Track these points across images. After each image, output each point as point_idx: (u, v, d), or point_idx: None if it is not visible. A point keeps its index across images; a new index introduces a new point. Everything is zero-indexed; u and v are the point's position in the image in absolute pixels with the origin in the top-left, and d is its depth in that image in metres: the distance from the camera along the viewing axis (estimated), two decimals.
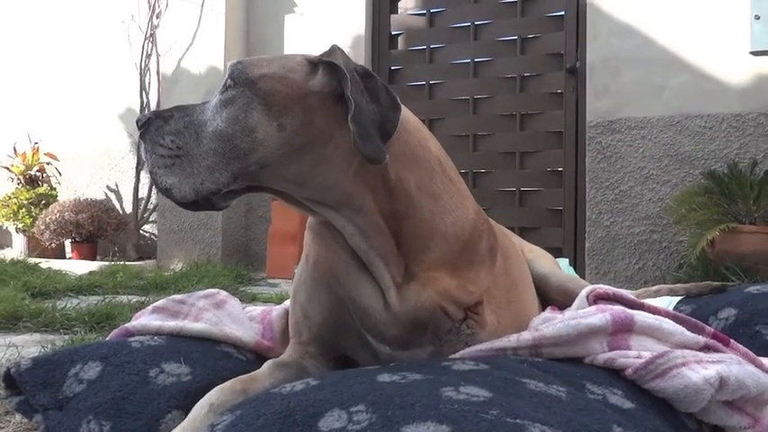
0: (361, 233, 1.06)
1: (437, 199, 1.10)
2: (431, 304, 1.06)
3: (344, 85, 1.02)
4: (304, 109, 1.03)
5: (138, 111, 5.19)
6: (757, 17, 3.58)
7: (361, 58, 4.60)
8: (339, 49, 1.08)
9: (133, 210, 5.20)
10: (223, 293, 1.44)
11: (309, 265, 1.16)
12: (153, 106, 5.16)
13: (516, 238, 1.68)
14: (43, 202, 5.36)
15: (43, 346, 1.96)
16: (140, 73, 5.16)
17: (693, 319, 1.14)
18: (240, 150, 1.02)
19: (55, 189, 5.62)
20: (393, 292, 1.06)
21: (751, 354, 1.07)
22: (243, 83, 1.05)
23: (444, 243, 1.09)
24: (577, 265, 3.93)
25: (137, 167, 5.18)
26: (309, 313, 1.14)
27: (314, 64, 1.07)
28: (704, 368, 0.94)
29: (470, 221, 1.13)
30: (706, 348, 1.05)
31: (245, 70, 1.06)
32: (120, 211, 5.32)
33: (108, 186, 5.50)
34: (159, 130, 1.06)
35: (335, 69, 1.04)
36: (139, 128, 1.08)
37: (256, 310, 1.49)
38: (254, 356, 1.24)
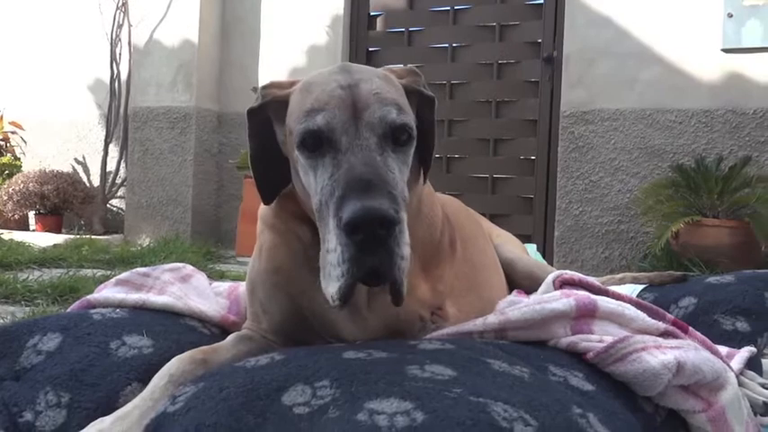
0: None
1: (420, 206, 1.08)
2: (412, 315, 1.04)
3: (431, 120, 1.00)
4: None
5: (108, 82, 5.07)
6: (730, 15, 3.64)
7: (339, 38, 4.56)
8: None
9: (100, 183, 5.09)
10: (189, 267, 1.42)
11: (269, 271, 1.08)
12: (123, 78, 5.04)
13: (486, 223, 1.69)
14: (6, 171, 5.22)
15: (2, 318, 1.92)
16: (111, 43, 5.03)
17: (655, 306, 1.16)
18: None
19: (19, 159, 5.47)
20: (366, 307, 1.02)
21: (708, 341, 1.09)
22: (414, 135, 0.93)
23: (421, 248, 1.07)
24: (546, 252, 3.98)
25: (105, 140, 5.07)
26: (269, 310, 1.09)
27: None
28: (663, 353, 0.96)
29: (440, 220, 1.13)
30: (665, 334, 1.07)
31: (410, 114, 0.93)
32: (88, 184, 5.21)
33: (75, 158, 5.38)
34: (404, 227, 0.84)
35: (426, 100, 1.02)
36: (386, 228, 0.80)
37: (223, 285, 1.47)
38: (219, 331, 1.23)
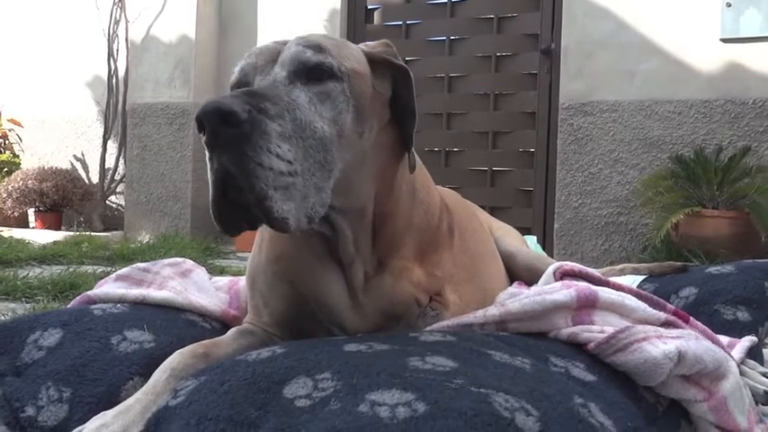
0: (354, 238, 1.01)
1: (415, 193, 1.08)
2: (407, 297, 1.05)
3: (408, 94, 0.99)
4: (373, 114, 0.96)
5: (106, 78, 5.05)
6: (728, 4, 3.63)
7: (336, 31, 4.54)
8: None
9: (99, 180, 5.09)
10: (189, 262, 1.41)
11: (270, 260, 1.08)
12: (121, 74, 5.02)
13: (484, 215, 1.69)
14: (5, 169, 5.21)
15: (3, 315, 1.92)
16: (108, 39, 5.01)
17: (655, 297, 1.16)
18: (334, 160, 0.87)
19: (18, 156, 5.46)
20: (362, 291, 1.03)
21: (709, 331, 1.09)
22: (339, 75, 0.89)
23: (418, 234, 1.08)
24: (546, 245, 3.98)
25: (104, 137, 5.06)
26: (270, 302, 1.09)
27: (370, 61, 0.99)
28: (664, 343, 0.96)
29: (438, 207, 1.13)
30: (666, 324, 1.07)
31: (339, 59, 0.89)
32: (87, 181, 5.21)
33: (74, 155, 5.37)
34: (268, 134, 0.77)
35: (400, 73, 1.00)
36: (230, 125, 0.76)
37: (223, 280, 1.47)
38: (220, 325, 1.23)
